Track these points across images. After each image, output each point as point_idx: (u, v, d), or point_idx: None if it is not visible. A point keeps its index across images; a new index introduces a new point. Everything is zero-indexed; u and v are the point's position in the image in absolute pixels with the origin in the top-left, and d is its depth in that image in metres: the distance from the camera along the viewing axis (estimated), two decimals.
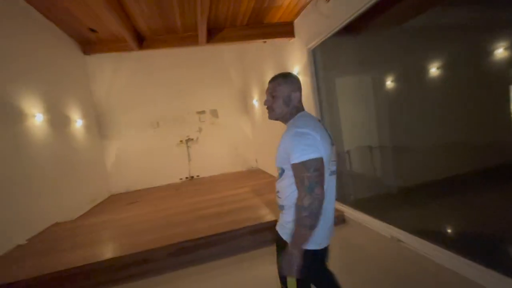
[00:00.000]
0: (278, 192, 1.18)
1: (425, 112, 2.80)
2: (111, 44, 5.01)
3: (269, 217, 2.90)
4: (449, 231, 2.51)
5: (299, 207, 0.99)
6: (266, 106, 1.22)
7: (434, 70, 2.61)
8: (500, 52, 1.94)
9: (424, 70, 2.69)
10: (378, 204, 3.16)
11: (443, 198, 2.65)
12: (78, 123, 4.80)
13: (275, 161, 1.15)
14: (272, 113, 1.20)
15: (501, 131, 2.07)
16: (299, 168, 1.00)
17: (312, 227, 0.97)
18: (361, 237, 2.68)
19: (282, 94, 1.17)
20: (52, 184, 3.71)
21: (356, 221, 2.93)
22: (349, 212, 3.04)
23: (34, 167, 3.41)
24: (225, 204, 3.63)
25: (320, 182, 0.99)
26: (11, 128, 3.13)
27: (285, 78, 1.19)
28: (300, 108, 1.20)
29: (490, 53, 2.02)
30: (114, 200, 5.21)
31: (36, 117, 3.57)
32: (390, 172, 3.44)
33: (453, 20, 2.50)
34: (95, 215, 4.12)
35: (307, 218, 0.97)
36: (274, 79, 1.20)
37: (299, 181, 1.01)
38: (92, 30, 4.62)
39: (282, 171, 1.13)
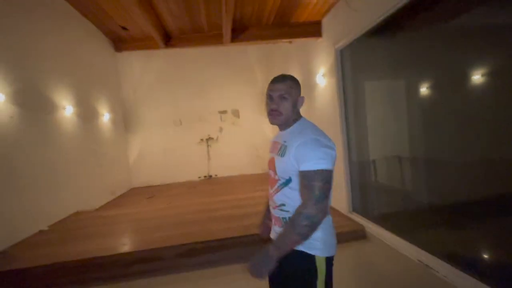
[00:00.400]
0: (283, 205, 1.07)
1: (466, 123, 2.49)
2: (140, 42, 5.17)
3: None
4: (486, 260, 2.19)
5: (300, 214, 0.94)
6: (270, 109, 1.09)
7: (478, 77, 2.30)
8: None
9: (468, 76, 2.39)
10: (405, 221, 2.87)
11: (482, 221, 2.33)
12: (105, 117, 4.99)
13: (277, 170, 1.07)
14: (279, 117, 1.08)
15: None
16: (310, 176, 0.95)
17: (307, 237, 0.95)
18: (382, 257, 2.44)
19: (292, 98, 1.07)
20: (76, 174, 3.86)
21: (378, 238, 2.67)
22: (371, 227, 2.79)
23: (60, 156, 3.57)
24: (239, 207, 3.54)
25: (328, 195, 0.97)
26: (42, 118, 3.30)
27: (295, 81, 1.11)
28: (299, 113, 1.14)
29: None
30: (134, 194, 5.35)
31: (66, 109, 3.74)
32: (421, 187, 3.12)
33: (506, 20, 2.18)
34: (114, 207, 4.24)
35: (306, 228, 0.93)
36: (283, 80, 1.09)
37: (307, 189, 0.96)
38: (124, 28, 4.79)
39: (287, 181, 1.05)
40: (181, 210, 3.60)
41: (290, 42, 4.46)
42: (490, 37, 2.29)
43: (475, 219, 2.36)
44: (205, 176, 6.28)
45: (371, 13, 2.39)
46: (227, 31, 3.50)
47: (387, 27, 2.65)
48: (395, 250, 2.46)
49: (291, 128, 1.11)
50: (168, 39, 4.38)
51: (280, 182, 1.06)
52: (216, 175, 6.32)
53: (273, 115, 1.09)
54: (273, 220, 1.16)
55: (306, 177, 0.96)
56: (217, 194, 4.54)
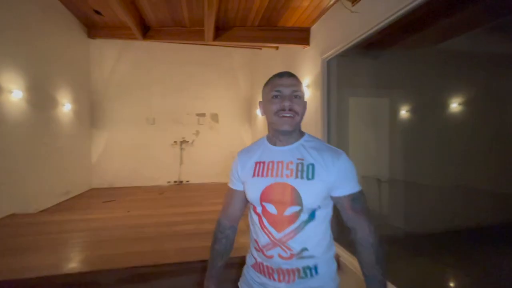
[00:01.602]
0: (305, 250, 0.80)
1: (447, 149, 2.40)
2: (116, 31, 4.76)
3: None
4: None
5: (376, 245, 0.81)
6: (282, 108, 0.82)
7: (458, 104, 2.25)
8: None
9: (449, 102, 2.33)
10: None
11: (457, 254, 2.19)
12: (66, 107, 4.46)
13: (303, 200, 0.79)
14: (295, 119, 0.83)
15: None
16: (360, 198, 0.84)
17: None
18: None
19: (303, 97, 0.86)
20: (19, 169, 3.32)
21: (351, 269, 2.44)
22: (345, 256, 2.56)
23: (0, 146, 3.04)
24: (205, 222, 3.18)
25: None
26: None
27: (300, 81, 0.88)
28: None
29: None
30: (92, 195, 4.79)
31: (13, 94, 3.23)
32: (399, 213, 2.97)
33: (491, 49, 2.12)
34: (62, 210, 3.70)
35: (383, 257, 0.82)
36: (293, 75, 0.85)
37: (362, 213, 0.83)
38: (97, 12, 4.35)
39: (313, 213, 0.81)
40: (139, 222, 3.17)
41: (277, 48, 4.26)
42: (473, 65, 2.24)
43: (449, 251, 2.22)
44: (175, 182, 5.83)
45: (361, 26, 2.21)
46: (209, 28, 3.21)
47: (377, 43, 2.52)
48: None
49: (299, 142, 0.86)
50: (147, 31, 4.02)
51: (302, 217, 0.80)
52: (187, 181, 5.90)
53: (288, 116, 0.81)
54: (272, 273, 0.83)
55: (356, 201, 0.83)
56: (185, 203, 4.14)
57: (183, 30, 3.91)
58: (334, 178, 0.80)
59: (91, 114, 5.46)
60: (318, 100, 2.99)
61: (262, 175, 0.86)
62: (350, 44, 2.40)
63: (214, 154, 5.98)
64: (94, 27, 5.02)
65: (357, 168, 2.87)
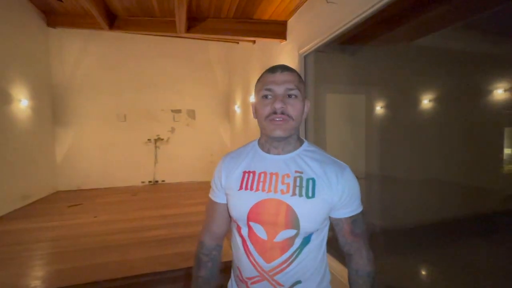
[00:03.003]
0: (298, 282, 0.67)
1: (421, 144, 2.44)
2: (79, 19, 4.36)
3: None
4: None
5: (373, 276, 0.71)
6: (273, 111, 0.67)
7: (428, 101, 2.29)
8: (500, 92, 1.71)
9: (422, 99, 2.36)
10: None
11: (430, 249, 2.24)
12: (22, 103, 4.03)
13: (301, 221, 0.66)
14: (288, 123, 0.68)
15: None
16: (361, 220, 0.72)
17: None
18: None
19: (302, 96, 0.71)
20: None
21: (335, 275, 2.41)
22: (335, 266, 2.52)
23: None
24: (178, 225, 3.01)
25: None
26: None
27: (299, 75, 0.73)
28: None
29: (490, 91, 1.73)
30: (57, 199, 4.42)
31: None
32: (375, 209, 3.00)
33: (464, 46, 2.15)
34: (18, 218, 3.36)
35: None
36: (289, 70, 0.70)
37: (363, 237, 0.72)
38: None
39: (309, 237, 0.68)
40: (107, 228, 2.94)
41: (254, 42, 4.12)
42: (447, 62, 2.28)
43: (426, 247, 2.26)
44: (149, 182, 5.55)
45: (339, 20, 2.14)
46: (181, 18, 2.99)
47: (354, 39, 2.49)
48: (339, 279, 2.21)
49: (298, 151, 0.72)
50: (113, 20, 3.70)
51: (297, 243, 0.67)
52: (163, 181, 5.64)
53: (280, 120, 0.66)
54: None
55: (357, 223, 0.71)
56: (159, 205, 3.92)
57: (154, 21, 3.64)
58: (337, 197, 0.68)
59: (53, 110, 5.01)
60: None
61: (251, 189, 0.70)
62: (327, 39, 2.32)
63: (191, 152, 5.75)
64: (54, 14, 4.57)
65: None
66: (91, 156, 5.24)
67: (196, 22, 3.24)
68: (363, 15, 1.86)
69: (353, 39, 2.49)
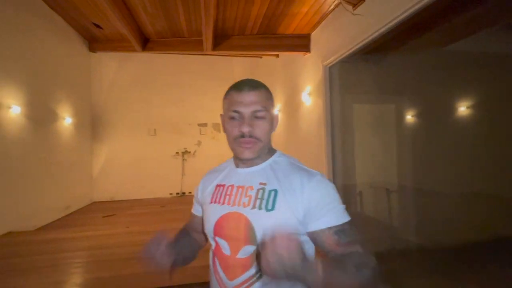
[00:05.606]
0: None
1: (459, 153, 2.26)
2: (116, 43, 4.78)
3: None
4: None
5: (371, 271, 0.58)
6: (240, 134, 0.66)
7: (465, 108, 2.13)
8: None
9: (456, 106, 2.21)
10: (388, 262, 2.51)
11: (477, 269, 2.01)
12: (66, 121, 4.42)
13: (257, 241, 0.61)
14: (256, 145, 0.66)
15: None
16: (348, 231, 0.60)
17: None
18: None
19: (270, 116, 0.68)
20: (18, 185, 3.25)
21: None
22: None
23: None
24: None
25: None
26: None
27: (268, 90, 0.70)
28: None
29: None
30: (92, 210, 4.70)
31: (12, 109, 3.19)
32: (409, 224, 2.80)
33: (501, 49, 2.01)
34: (60, 227, 3.60)
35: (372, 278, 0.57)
36: (257, 88, 0.68)
37: (355, 245, 0.60)
38: (97, 26, 4.37)
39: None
40: (138, 239, 3.05)
41: (277, 56, 4.20)
42: (482, 66, 2.14)
43: (468, 266, 2.05)
44: (177, 193, 5.72)
45: (365, 30, 2.12)
46: (207, 37, 3.16)
47: (379, 48, 2.43)
48: None
49: (267, 162, 0.69)
50: (146, 42, 4.00)
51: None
52: (190, 193, 5.78)
53: (248, 143, 0.65)
54: None
55: (343, 233, 0.59)
56: (186, 217, 3.98)
57: (182, 41, 3.88)
58: (304, 207, 0.61)
59: (92, 127, 5.43)
60: (320, 108, 2.89)
61: (219, 202, 0.70)
62: (352, 49, 2.31)
63: (217, 164, 5.81)
64: (94, 41, 5.05)
65: (365, 178, 2.72)
66: (123, 169, 5.55)
67: (222, 40, 3.39)
68: (391, 24, 1.83)
69: (378, 48, 2.44)
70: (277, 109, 4.37)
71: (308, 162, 3.28)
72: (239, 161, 0.72)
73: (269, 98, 0.70)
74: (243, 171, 0.71)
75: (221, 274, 0.66)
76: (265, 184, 0.66)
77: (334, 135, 2.88)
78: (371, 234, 2.86)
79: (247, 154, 0.66)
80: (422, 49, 2.49)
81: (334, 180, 2.92)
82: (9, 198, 3.13)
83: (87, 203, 5.11)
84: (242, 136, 0.65)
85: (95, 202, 5.31)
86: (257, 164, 0.70)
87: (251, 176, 0.69)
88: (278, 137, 4.47)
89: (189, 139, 5.85)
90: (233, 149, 0.70)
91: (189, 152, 5.83)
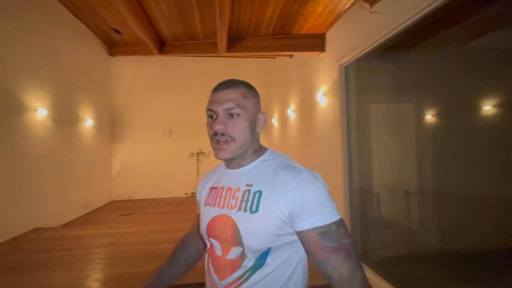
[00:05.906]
0: None
1: (484, 153, 2.15)
2: (134, 47, 4.93)
3: None
4: None
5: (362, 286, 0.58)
6: (213, 133, 0.66)
7: (491, 107, 2.01)
8: None
9: (481, 105, 2.09)
10: (411, 270, 2.43)
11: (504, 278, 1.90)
12: (88, 122, 4.62)
13: (244, 240, 0.62)
14: (230, 145, 0.65)
15: None
16: (334, 232, 0.58)
17: None
18: None
19: (249, 113, 0.67)
20: (44, 184, 3.43)
21: None
22: (371, 277, 2.33)
23: (26, 162, 3.16)
24: None
25: None
26: (6, 121, 2.92)
27: (250, 88, 0.71)
28: (259, 140, 0.73)
29: None
30: (111, 208, 4.88)
31: (38, 112, 3.37)
32: (431, 227, 2.69)
33: None
34: (83, 224, 3.77)
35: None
36: (233, 86, 0.68)
37: (340, 253, 0.58)
38: (116, 31, 4.53)
39: (262, 258, 0.61)
40: (155, 237, 3.13)
41: (291, 56, 4.18)
42: (506, 63, 2.02)
43: (498, 273, 1.94)
44: (192, 193, 5.82)
45: (382, 28, 2.07)
46: (222, 39, 3.19)
47: (398, 46, 2.36)
48: None
49: (255, 163, 0.68)
50: (162, 46, 4.11)
51: (248, 263, 0.61)
52: None
53: (220, 143, 0.65)
54: None
55: (328, 236, 0.58)
56: None
57: (197, 43, 3.95)
58: (288, 206, 0.59)
59: (112, 128, 5.63)
60: (336, 108, 2.84)
61: (211, 204, 0.71)
62: (369, 48, 2.25)
63: None
64: (114, 45, 5.24)
65: (382, 179, 2.64)
66: (140, 169, 5.71)
67: (236, 42, 3.42)
68: (410, 21, 1.77)
69: (396, 46, 2.37)
70: (289, 110, 4.34)
71: (324, 163, 3.23)
72: (227, 162, 0.73)
73: (246, 95, 0.68)
74: (232, 172, 0.71)
75: (213, 274, 0.67)
76: (251, 185, 0.65)
77: (350, 135, 2.82)
78: (388, 237, 2.78)
79: (222, 154, 0.66)
80: (444, 46, 2.39)
81: (350, 181, 2.86)
82: (37, 196, 3.31)
83: (106, 201, 5.31)
84: (216, 134, 0.65)
85: (114, 201, 5.50)
86: (244, 165, 0.69)
87: (239, 177, 0.69)
88: (292, 138, 4.44)
89: (204, 140, 5.91)
90: (213, 149, 0.70)
91: (204, 152, 5.91)
